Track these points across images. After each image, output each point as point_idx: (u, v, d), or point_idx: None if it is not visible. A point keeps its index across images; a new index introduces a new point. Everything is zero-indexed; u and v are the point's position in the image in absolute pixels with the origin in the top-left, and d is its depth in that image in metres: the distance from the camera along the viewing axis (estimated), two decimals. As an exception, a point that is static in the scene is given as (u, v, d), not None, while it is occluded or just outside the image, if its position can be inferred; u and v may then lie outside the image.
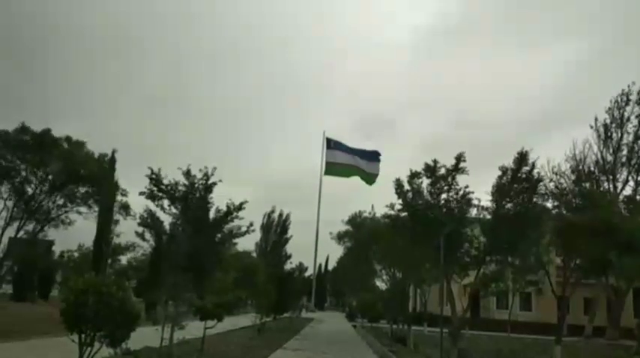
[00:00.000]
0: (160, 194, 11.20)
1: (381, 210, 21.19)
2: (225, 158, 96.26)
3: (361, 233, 22.14)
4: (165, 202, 11.31)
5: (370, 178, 28.54)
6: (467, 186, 13.06)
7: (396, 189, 13.75)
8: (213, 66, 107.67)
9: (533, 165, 12.73)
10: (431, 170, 12.99)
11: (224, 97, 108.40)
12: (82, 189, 32.18)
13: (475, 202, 13.17)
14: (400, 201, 13.83)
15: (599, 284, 31.99)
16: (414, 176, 13.50)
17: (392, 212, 14.41)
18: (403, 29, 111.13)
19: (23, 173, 30.14)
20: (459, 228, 13.13)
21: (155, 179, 11.13)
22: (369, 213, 22.27)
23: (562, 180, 29.47)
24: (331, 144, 29.70)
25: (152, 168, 11.16)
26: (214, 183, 11.60)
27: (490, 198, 13.05)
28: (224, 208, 11.93)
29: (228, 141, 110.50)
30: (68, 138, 30.43)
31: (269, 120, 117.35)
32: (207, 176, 11.51)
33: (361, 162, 29.03)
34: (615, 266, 16.97)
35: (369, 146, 31.24)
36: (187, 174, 11.41)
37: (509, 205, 12.80)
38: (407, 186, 13.65)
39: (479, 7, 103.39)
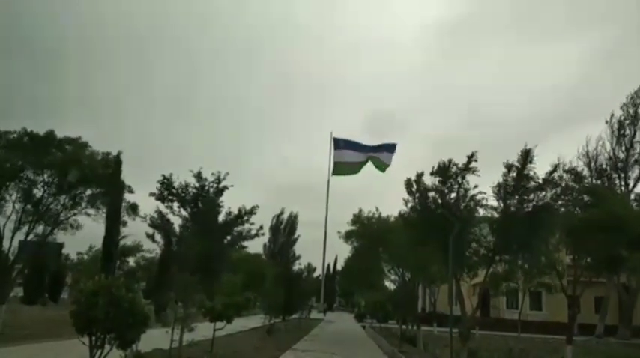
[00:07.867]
0: (171, 197, 11.27)
1: (387, 210, 21.13)
2: (233, 159, 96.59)
3: (368, 232, 21.97)
4: (175, 204, 11.37)
5: (383, 165, 28.34)
6: (476, 186, 12.93)
7: (407, 188, 13.74)
8: (221, 66, 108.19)
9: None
10: (443, 169, 12.89)
11: (232, 98, 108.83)
12: (89, 192, 32.24)
13: (484, 202, 13.03)
14: (411, 198, 13.82)
15: (610, 283, 31.73)
16: (421, 176, 13.46)
17: (405, 208, 14.41)
18: (414, 28, 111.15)
19: (30, 175, 30.19)
20: (468, 227, 13.01)
21: (166, 184, 11.21)
22: (375, 213, 22.06)
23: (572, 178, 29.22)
24: (339, 144, 29.53)
25: (164, 175, 11.31)
26: (225, 187, 11.62)
27: (494, 196, 12.90)
28: (235, 211, 11.98)
29: (236, 142, 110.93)
30: (69, 139, 30.38)
31: (278, 121, 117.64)
32: (218, 179, 11.52)
33: (373, 153, 28.79)
34: (627, 263, 16.74)
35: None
36: (198, 176, 11.43)
37: (515, 203, 12.61)
38: (416, 186, 13.60)
39: (490, 5, 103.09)
